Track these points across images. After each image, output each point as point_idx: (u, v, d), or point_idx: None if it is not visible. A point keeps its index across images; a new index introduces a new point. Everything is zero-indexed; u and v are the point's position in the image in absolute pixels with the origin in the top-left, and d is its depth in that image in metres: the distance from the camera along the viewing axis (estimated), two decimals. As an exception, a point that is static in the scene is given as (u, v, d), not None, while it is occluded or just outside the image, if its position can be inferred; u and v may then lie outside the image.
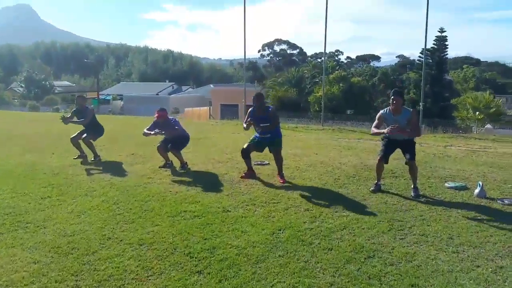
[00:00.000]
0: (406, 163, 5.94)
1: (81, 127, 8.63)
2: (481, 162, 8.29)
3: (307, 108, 33.74)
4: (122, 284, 3.47)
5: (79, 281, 3.53)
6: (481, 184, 5.77)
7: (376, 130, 6.03)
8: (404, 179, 6.61)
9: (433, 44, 38.43)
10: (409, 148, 5.94)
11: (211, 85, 46.09)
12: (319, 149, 9.79)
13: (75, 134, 8.56)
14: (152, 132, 7.50)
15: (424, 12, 13.65)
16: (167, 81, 67.08)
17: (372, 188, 6.09)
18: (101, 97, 57.27)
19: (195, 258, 3.94)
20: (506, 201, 5.42)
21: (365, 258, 3.88)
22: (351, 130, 13.41)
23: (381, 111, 6.19)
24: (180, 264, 3.82)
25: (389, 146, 6.06)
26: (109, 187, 6.38)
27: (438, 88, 36.45)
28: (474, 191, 5.83)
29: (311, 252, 4.02)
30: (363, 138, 12.32)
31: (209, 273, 3.63)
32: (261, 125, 6.62)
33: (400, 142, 5.98)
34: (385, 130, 5.85)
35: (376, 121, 6.13)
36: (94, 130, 8.55)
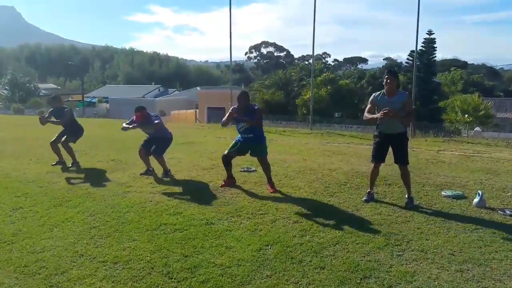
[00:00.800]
0: (396, 163, 5.62)
1: (60, 129, 8.23)
2: (477, 168, 8.05)
3: (295, 111, 33.48)
4: (91, 312, 3.09)
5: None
6: (480, 194, 5.47)
7: (369, 116, 5.57)
8: (398, 187, 6.31)
9: (422, 46, 38.49)
10: (401, 148, 5.55)
11: (198, 88, 45.53)
12: (308, 155, 9.48)
13: (55, 137, 8.16)
14: (131, 126, 7.09)
15: (410, 14, 13.49)
16: (153, 83, 66.36)
17: (365, 198, 5.77)
18: (86, 99, 56.49)
19: (174, 279, 3.57)
20: (507, 212, 5.13)
21: (361, 279, 3.55)
22: (340, 134, 13.14)
23: (374, 94, 5.73)
24: (158, 286, 3.45)
25: (381, 145, 5.64)
26: (85, 197, 5.97)
27: (427, 91, 36.48)
28: (473, 201, 5.54)
29: (302, 272, 3.67)
30: (353, 143, 12.06)
31: (189, 297, 3.27)
32: (244, 117, 6.16)
33: (392, 138, 5.54)
34: (377, 115, 5.36)
35: (368, 105, 5.69)
36: (73, 130, 8.15)
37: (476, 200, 5.45)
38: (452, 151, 10.32)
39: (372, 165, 5.77)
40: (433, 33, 39.38)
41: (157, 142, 7.17)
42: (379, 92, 5.66)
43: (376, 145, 5.69)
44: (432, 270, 3.70)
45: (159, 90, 60.02)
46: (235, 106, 6.35)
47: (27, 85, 60.42)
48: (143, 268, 3.77)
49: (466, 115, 23.84)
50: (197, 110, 36.79)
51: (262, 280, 3.54)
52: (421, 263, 3.85)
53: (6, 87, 59.00)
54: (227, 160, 6.50)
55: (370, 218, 5.04)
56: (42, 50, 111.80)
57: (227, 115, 6.43)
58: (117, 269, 3.75)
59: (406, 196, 5.62)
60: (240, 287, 3.42)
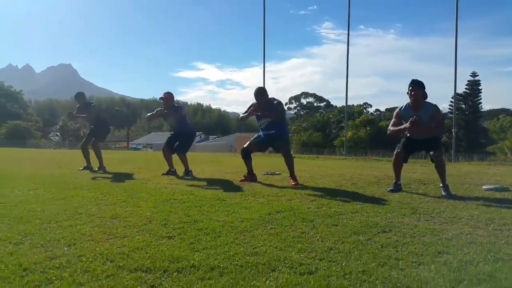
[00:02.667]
0: (431, 160, 5.12)
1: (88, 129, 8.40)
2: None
3: (333, 152, 32.82)
4: (73, 243, 2.81)
5: (27, 240, 2.89)
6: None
7: (393, 128, 5.14)
8: (434, 185, 5.71)
9: (465, 88, 37.16)
10: (433, 144, 5.09)
11: (238, 133, 46.08)
12: (339, 167, 9.02)
13: (83, 140, 8.27)
14: (155, 111, 7.14)
15: (452, 65, 13.01)
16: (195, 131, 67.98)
17: (391, 188, 5.23)
18: (131, 146, 58.62)
19: (171, 227, 3.25)
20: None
21: (378, 232, 3.09)
22: (376, 159, 12.54)
23: (398, 108, 5.26)
24: (150, 231, 3.15)
25: (411, 143, 5.21)
26: (102, 184, 5.86)
27: (474, 134, 34.84)
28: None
29: (311, 226, 3.26)
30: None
31: (181, 238, 2.94)
32: (266, 112, 5.90)
33: (423, 142, 5.15)
34: (405, 125, 4.93)
35: (393, 119, 5.23)
36: (100, 128, 8.21)
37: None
38: (498, 169, 9.50)
39: (397, 151, 5.28)
40: (477, 75, 38.07)
41: (180, 139, 7.06)
42: (404, 104, 5.19)
43: (406, 139, 5.25)
44: (464, 229, 3.17)
45: (200, 137, 61.27)
46: (255, 102, 6.14)
47: (77, 132, 63.66)
48: (140, 220, 3.49)
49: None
50: (234, 153, 36.92)
51: (265, 230, 3.15)
52: (452, 224, 3.33)
53: (57, 133, 62.41)
54: (246, 153, 6.23)
55: (398, 198, 4.55)
56: (94, 102, 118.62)
57: (247, 110, 6.24)
58: (113, 222, 3.49)
59: (441, 184, 5.06)
60: (239, 234, 3.05)
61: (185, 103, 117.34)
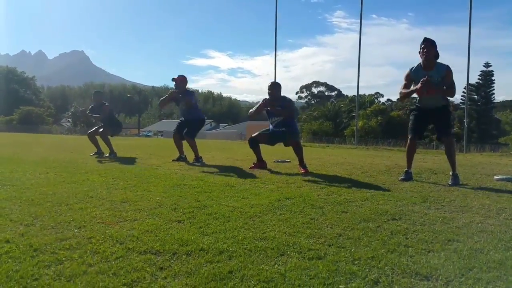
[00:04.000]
0: (439, 140, 5.04)
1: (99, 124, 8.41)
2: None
3: (343, 141, 32.69)
4: (83, 225, 2.84)
5: (38, 222, 2.93)
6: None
7: (404, 91, 5.01)
8: (445, 175, 5.65)
9: (478, 79, 36.54)
10: (443, 120, 4.97)
11: (248, 121, 46.05)
12: (349, 156, 8.97)
13: (93, 129, 8.33)
14: (167, 95, 7.23)
15: (465, 55, 12.75)
16: (205, 118, 68.17)
17: (402, 177, 5.17)
18: (142, 133, 58.93)
19: (180, 211, 3.27)
20: None
21: (388, 220, 3.07)
22: (387, 149, 12.45)
23: (409, 69, 5.09)
24: (160, 215, 3.16)
25: (420, 119, 5.09)
26: (113, 169, 5.90)
27: (485, 125, 34.36)
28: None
29: (320, 214, 3.25)
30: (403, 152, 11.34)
31: (190, 222, 2.95)
32: (277, 108, 5.91)
33: (432, 112, 4.98)
34: (416, 87, 4.81)
35: (404, 82, 5.09)
36: (111, 126, 8.28)
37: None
38: (510, 159, 9.37)
39: (409, 138, 5.22)
40: (491, 65, 37.38)
41: (189, 125, 7.07)
42: (415, 65, 5.05)
43: (414, 117, 5.16)
44: (475, 218, 3.14)
45: (211, 125, 61.43)
46: (266, 98, 6.11)
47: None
48: (150, 204, 3.52)
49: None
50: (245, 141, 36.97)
51: (274, 216, 3.15)
52: (463, 213, 3.30)
53: (69, 120, 62.98)
54: (254, 142, 6.22)
55: (409, 187, 4.51)
56: (105, 89, 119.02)
57: (256, 106, 6.21)
58: (123, 205, 3.51)
59: (451, 173, 5.00)
60: (248, 219, 3.05)
61: (196, 91, 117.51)
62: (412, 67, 5.07)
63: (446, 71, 4.86)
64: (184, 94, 7.06)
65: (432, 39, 4.97)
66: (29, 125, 44.46)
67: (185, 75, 7.32)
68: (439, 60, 4.95)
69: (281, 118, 5.96)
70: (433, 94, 4.86)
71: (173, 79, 7.16)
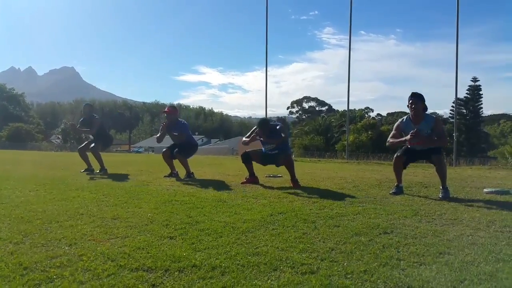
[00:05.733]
0: (431, 162, 5.11)
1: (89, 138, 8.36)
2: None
3: (334, 156, 32.77)
4: (74, 243, 2.81)
5: (28, 240, 2.89)
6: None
7: (392, 140, 5.16)
8: (435, 188, 5.70)
9: (466, 93, 37.18)
10: (433, 152, 5.04)
11: (240, 136, 46.15)
12: (341, 170, 9.01)
13: (83, 144, 8.27)
14: (159, 132, 7.17)
15: (453, 71, 13.03)
16: (196, 133, 68.15)
17: (393, 191, 5.23)
18: (133, 149, 58.62)
19: (172, 228, 3.25)
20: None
21: (380, 233, 3.09)
22: (377, 163, 12.53)
23: (399, 120, 5.29)
24: (152, 231, 3.14)
25: (411, 151, 5.20)
26: (104, 185, 5.86)
27: (475, 139, 34.79)
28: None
29: (313, 228, 3.25)
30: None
31: (182, 238, 2.93)
32: (269, 140, 5.98)
33: (423, 151, 5.13)
34: (405, 138, 4.96)
35: (393, 131, 5.25)
36: (102, 140, 8.23)
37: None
38: (499, 172, 9.48)
39: (396, 155, 5.27)
40: (478, 80, 38.11)
41: (182, 146, 7.05)
42: (405, 117, 5.23)
43: (406, 147, 5.25)
44: (465, 231, 3.17)
45: (202, 140, 61.33)
46: (258, 130, 6.11)
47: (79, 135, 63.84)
48: (141, 221, 3.49)
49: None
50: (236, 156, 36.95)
51: (267, 231, 3.15)
52: (454, 226, 3.33)
53: (59, 136, 62.52)
54: (246, 158, 6.24)
55: (400, 201, 4.54)
56: (96, 105, 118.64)
57: (249, 135, 6.25)
58: (114, 222, 3.48)
59: (441, 187, 5.04)
60: (240, 235, 3.04)
61: (187, 107, 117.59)
62: (403, 119, 5.25)
63: (435, 122, 5.05)
64: (177, 125, 7.04)
65: (419, 93, 5.14)
66: (18, 142, 44.03)
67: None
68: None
69: (274, 139, 5.99)
70: (424, 145, 5.01)
71: (163, 112, 7.12)
